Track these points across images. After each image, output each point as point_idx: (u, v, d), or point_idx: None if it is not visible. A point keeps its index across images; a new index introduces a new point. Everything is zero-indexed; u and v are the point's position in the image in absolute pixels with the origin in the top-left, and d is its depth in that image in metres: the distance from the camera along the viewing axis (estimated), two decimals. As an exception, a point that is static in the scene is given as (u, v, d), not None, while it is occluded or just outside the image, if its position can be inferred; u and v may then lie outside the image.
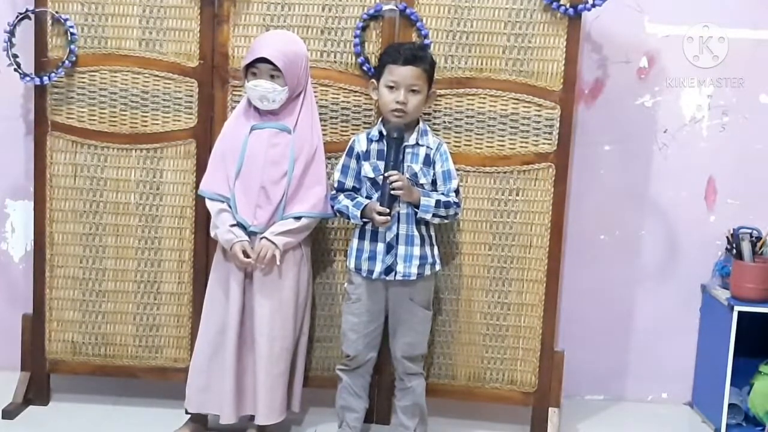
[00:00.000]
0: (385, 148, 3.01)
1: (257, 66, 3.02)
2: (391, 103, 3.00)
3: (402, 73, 2.98)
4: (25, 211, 3.63)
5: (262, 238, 3.03)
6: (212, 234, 3.10)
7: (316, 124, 3.14)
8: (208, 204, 3.10)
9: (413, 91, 3.00)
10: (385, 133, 3.04)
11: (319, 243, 3.32)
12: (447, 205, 3.03)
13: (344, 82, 3.27)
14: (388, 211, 2.95)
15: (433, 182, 3.08)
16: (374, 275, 3.05)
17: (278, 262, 3.02)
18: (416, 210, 3.01)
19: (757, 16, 3.60)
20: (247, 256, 3.01)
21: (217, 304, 3.12)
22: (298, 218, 3.06)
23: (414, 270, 3.05)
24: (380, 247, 3.05)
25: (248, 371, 3.11)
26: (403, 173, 2.99)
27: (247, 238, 3.04)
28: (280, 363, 3.11)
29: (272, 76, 3.02)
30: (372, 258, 3.06)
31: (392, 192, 2.94)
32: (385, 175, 2.96)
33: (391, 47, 3.06)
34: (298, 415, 3.35)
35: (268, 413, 3.10)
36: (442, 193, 3.05)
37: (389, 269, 3.05)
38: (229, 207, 3.06)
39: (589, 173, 3.64)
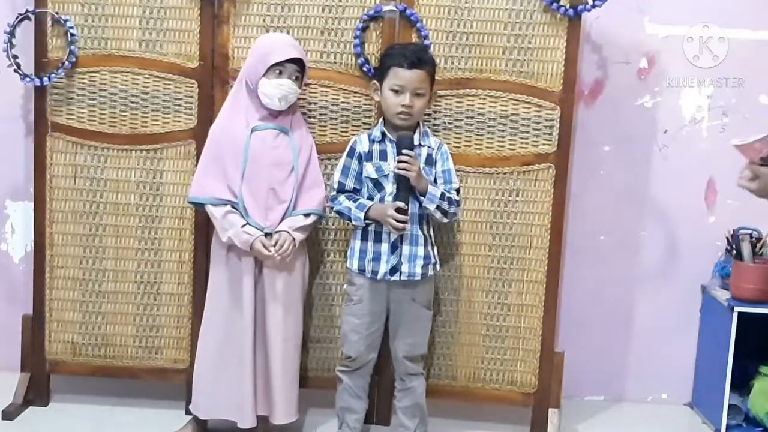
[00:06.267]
0: (394, 150, 2.98)
1: (285, 65, 3.00)
2: (396, 107, 2.98)
3: (408, 77, 2.97)
4: (25, 212, 3.63)
5: (278, 232, 3.00)
6: (224, 238, 3.00)
7: (305, 126, 3.15)
8: (209, 209, 3.03)
9: (418, 94, 2.99)
10: (390, 136, 3.02)
11: (318, 243, 3.32)
12: (450, 200, 3.02)
13: (344, 83, 3.26)
14: (406, 208, 2.92)
15: (434, 183, 3.07)
16: (379, 276, 3.05)
17: (289, 255, 3.00)
18: (421, 199, 2.98)
19: (757, 16, 3.60)
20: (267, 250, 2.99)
21: (222, 306, 3.09)
22: (307, 215, 3.06)
23: (418, 270, 3.05)
24: (384, 247, 3.04)
25: (260, 372, 3.09)
26: None
27: (261, 233, 3.00)
28: (295, 361, 3.14)
29: (296, 78, 3.03)
30: (376, 259, 3.04)
31: (399, 168, 2.89)
32: (397, 158, 2.92)
33: (394, 49, 3.04)
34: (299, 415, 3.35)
35: (286, 412, 3.12)
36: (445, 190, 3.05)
37: (394, 269, 3.04)
38: (234, 209, 3.02)
39: (589, 174, 3.64)
